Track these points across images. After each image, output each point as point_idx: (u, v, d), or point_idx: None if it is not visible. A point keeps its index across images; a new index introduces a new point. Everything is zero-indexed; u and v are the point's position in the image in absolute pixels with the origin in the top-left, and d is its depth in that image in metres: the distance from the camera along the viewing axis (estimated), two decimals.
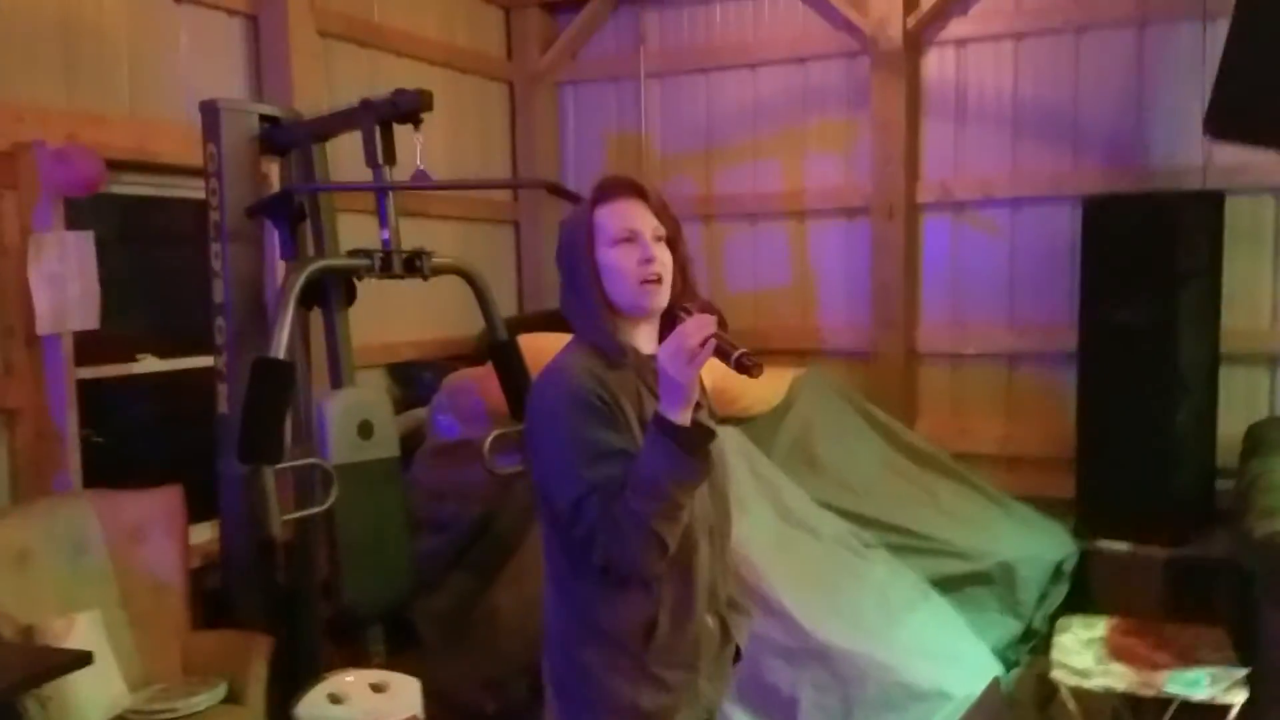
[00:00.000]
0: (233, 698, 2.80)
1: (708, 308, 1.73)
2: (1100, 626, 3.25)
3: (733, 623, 1.89)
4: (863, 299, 4.58)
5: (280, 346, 2.79)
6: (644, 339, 1.82)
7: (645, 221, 1.80)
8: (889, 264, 4.48)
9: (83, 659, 2.34)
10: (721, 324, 1.65)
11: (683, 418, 1.61)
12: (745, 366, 1.62)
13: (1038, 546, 3.72)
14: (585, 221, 1.80)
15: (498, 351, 3.24)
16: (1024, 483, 4.18)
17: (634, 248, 1.77)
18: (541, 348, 3.45)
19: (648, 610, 1.72)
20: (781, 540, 3.18)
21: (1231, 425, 3.85)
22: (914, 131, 4.47)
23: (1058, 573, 3.72)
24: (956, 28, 4.39)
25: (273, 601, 3.03)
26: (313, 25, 3.90)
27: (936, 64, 4.45)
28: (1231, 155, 3.82)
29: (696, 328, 1.60)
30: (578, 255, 1.78)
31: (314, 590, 3.05)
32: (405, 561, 3.12)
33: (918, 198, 4.48)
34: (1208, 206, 3.85)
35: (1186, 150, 4.00)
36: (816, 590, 3.01)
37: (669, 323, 1.81)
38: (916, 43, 4.43)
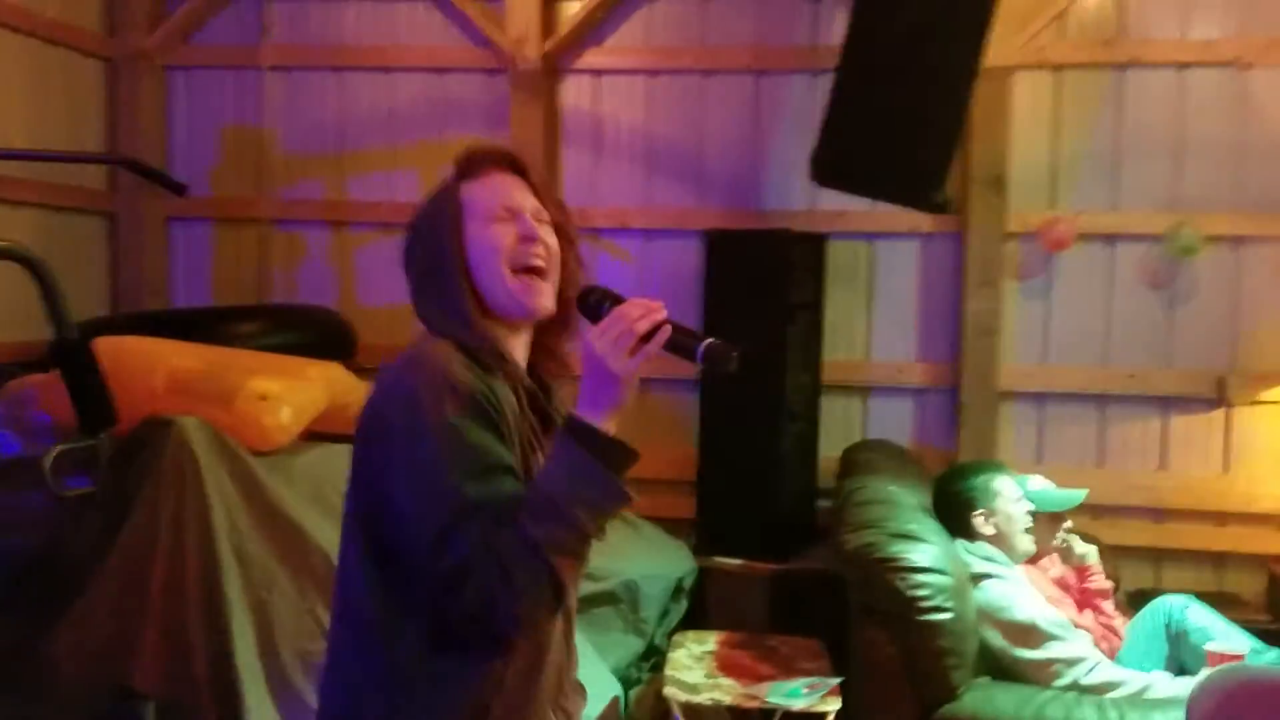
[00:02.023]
0: None
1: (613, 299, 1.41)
2: (711, 641, 3.35)
3: (575, 709, 1.58)
4: None
5: None
6: (519, 352, 1.49)
7: (525, 200, 1.49)
8: None
9: None
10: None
11: (607, 424, 1.30)
12: (719, 359, 1.29)
13: (660, 565, 3.80)
14: (450, 199, 1.48)
15: (65, 354, 2.78)
16: (652, 504, 4.23)
17: (511, 227, 1.46)
18: (126, 349, 3.05)
19: (482, 693, 1.36)
20: None
21: (830, 449, 4.17)
22: (553, 156, 4.48)
23: (678, 590, 3.82)
24: (592, 58, 4.46)
25: None
26: None
27: (574, 91, 4.50)
28: (832, 201, 4.17)
29: (642, 311, 1.30)
30: (440, 237, 1.45)
31: None
32: None
33: None
34: (812, 247, 4.17)
35: (795, 194, 4.31)
36: None
37: (555, 334, 1.53)
38: (554, 68, 4.45)
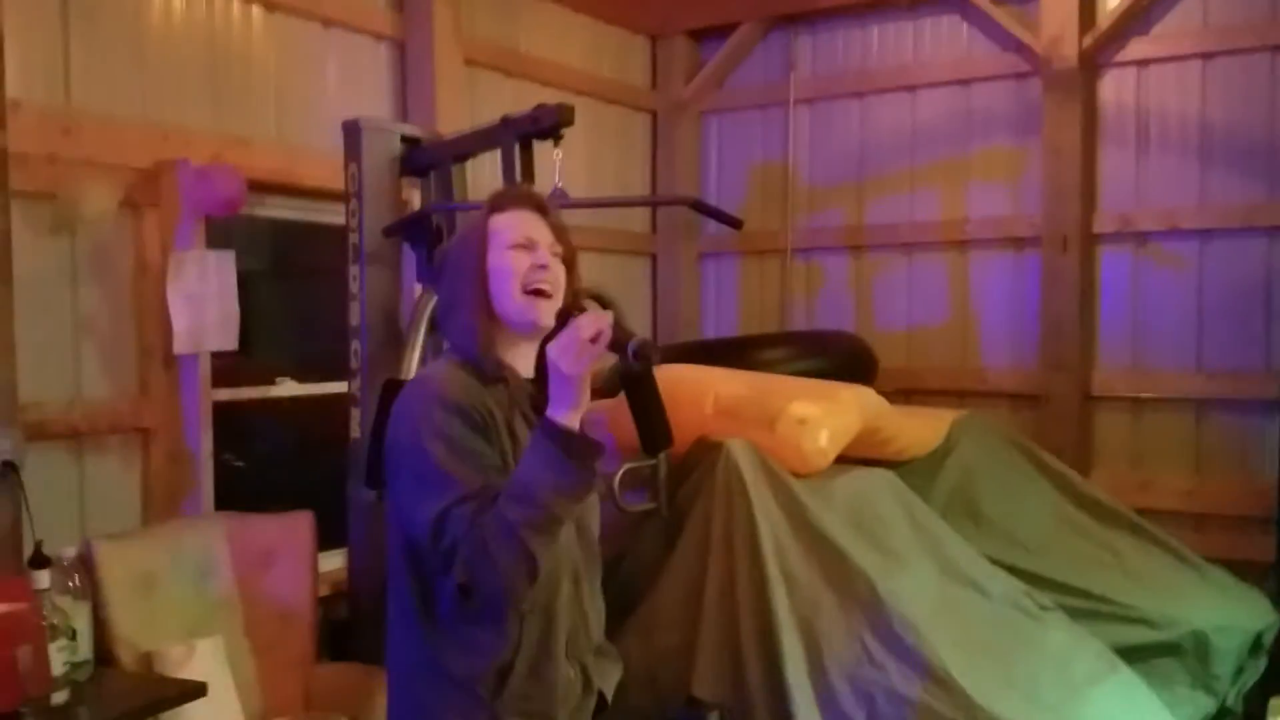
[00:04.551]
0: None
1: (602, 303, 1.67)
2: None
3: (598, 670, 1.79)
4: (1030, 337, 4.24)
5: (410, 369, 2.70)
6: (522, 361, 1.73)
7: (542, 234, 1.74)
8: (1062, 300, 4.13)
9: (197, 690, 2.24)
10: (619, 319, 1.58)
11: (571, 420, 1.53)
12: (641, 355, 1.57)
13: (1234, 615, 3.29)
14: (479, 228, 1.74)
15: (632, 381, 3.06)
16: (1213, 543, 3.76)
17: (528, 255, 1.70)
18: (679, 377, 3.27)
19: (502, 654, 1.63)
20: (945, 599, 2.87)
21: None
22: (1090, 158, 4.14)
23: (1256, 645, 3.29)
24: (1137, 48, 4.06)
25: None
26: (459, 53, 3.87)
27: (1114, 86, 4.12)
28: None
29: (590, 321, 1.53)
30: (465, 260, 1.72)
31: None
32: None
33: (1094, 229, 4.13)
34: None
35: None
36: (986, 657, 2.69)
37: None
38: (1093, 64, 4.11)
